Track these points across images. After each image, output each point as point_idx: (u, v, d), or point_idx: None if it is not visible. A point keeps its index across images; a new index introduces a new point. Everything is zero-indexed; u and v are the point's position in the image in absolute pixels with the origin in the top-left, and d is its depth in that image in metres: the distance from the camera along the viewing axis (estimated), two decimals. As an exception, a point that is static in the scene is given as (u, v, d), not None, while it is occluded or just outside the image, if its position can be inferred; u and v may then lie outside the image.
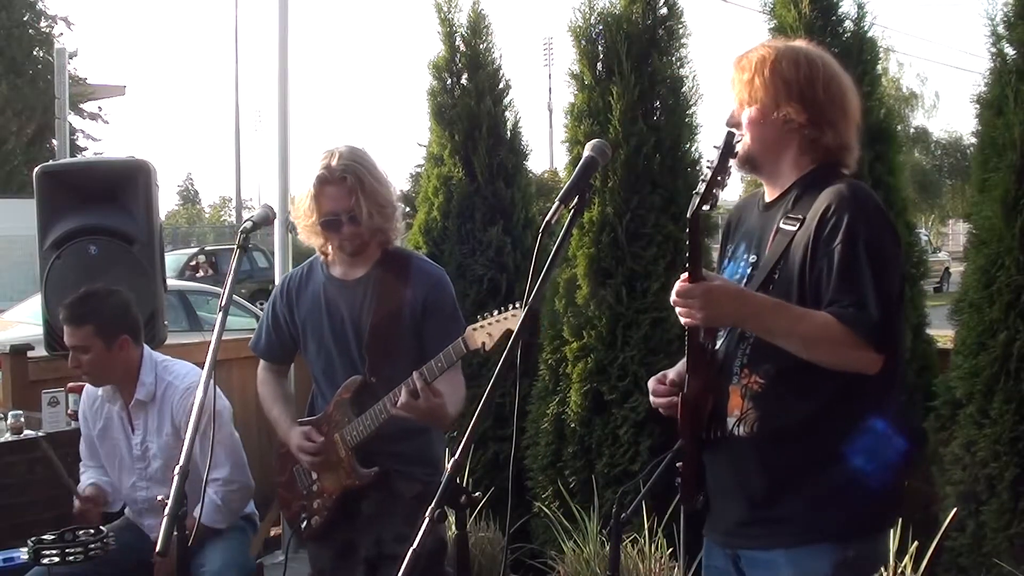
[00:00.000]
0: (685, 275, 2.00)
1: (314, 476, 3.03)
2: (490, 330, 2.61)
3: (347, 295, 2.97)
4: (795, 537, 2.08)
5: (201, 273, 19.29)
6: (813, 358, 1.99)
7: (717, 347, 2.18)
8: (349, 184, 2.83)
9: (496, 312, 2.62)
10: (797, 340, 1.99)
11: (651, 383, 2.28)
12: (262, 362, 3.22)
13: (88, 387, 3.65)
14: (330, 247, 2.97)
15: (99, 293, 3.43)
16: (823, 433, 2.05)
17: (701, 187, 1.96)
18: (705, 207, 1.94)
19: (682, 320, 2.03)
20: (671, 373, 2.27)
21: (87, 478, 3.63)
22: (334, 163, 2.84)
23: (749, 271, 2.17)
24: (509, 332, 2.57)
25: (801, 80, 2.12)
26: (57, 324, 3.76)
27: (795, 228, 2.08)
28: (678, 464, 2.22)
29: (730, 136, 1.98)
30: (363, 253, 2.95)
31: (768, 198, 2.23)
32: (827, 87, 2.14)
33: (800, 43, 2.22)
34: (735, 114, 2.18)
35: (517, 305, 2.59)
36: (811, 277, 2.04)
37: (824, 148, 2.15)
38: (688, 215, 1.98)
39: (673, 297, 2.00)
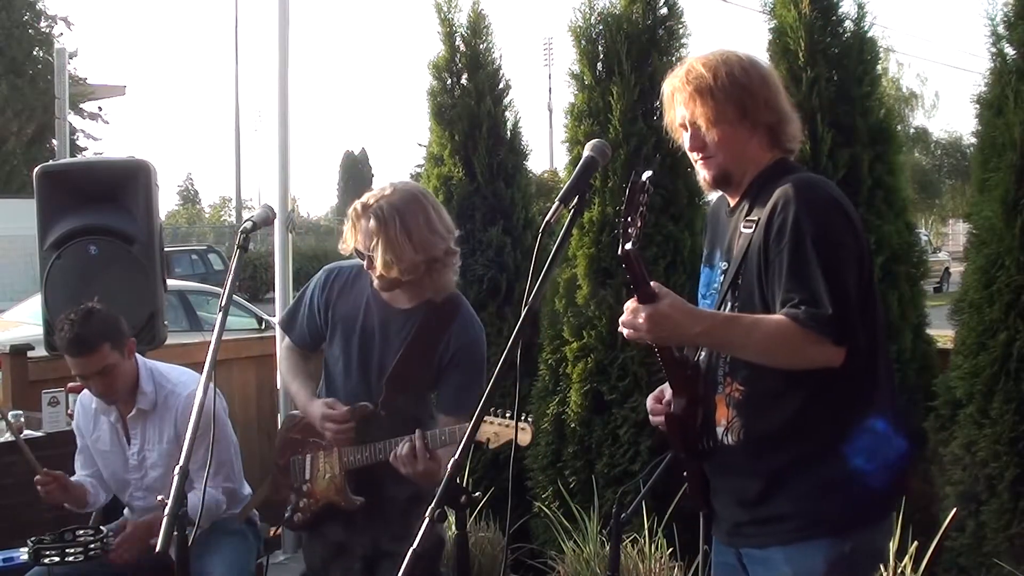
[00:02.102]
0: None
1: (307, 476, 3.03)
2: (498, 430, 2.53)
3: (388, 320, 2.93)
4: (790, 534, 2.09)
5: None
6: (774, 364, 2.01)
7: (699, 359, 2.18)
8: (371, 228, 2.76)
9: (509, 414, 2.53)
10: (753, 350, 2.01)
11: (649, 402, 2.29)
12: (287, 339, 3.17)
13: (81, 398, 3.60)
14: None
15: (94, 311, 3.30)
16: (808, 432, 2.06)
17: (620, 227, 1.92)
18: (628, 245, 1.91)
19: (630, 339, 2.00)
20: (668, 390, 2.26)
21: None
22: (373, 200, 2.79)
23: (722, 278, 2.19)
24: (510, 442, 2.50)
25: (756, 82, 2.13)
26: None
27: (751, 231, 2.09)
28: (684, 473, 2.24)
29: (636, 176, 1.94)
30: (399, 290, 2.89)
31: (731, 202, 2.23)
32: (773, 85, 2.17)
33: (721, 49, 2.19)
34: (702, 136, 2.15)
35: (530, 419, 2.59)
36: (767, 279, 2.04)
37: (782, 143, 2.17)
38: (619, 253, 1.93)
39: (622, 318, 1.99)
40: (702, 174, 2.21)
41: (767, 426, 2.08)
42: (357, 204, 2.83)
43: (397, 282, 2.84)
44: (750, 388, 2.09)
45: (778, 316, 1.99)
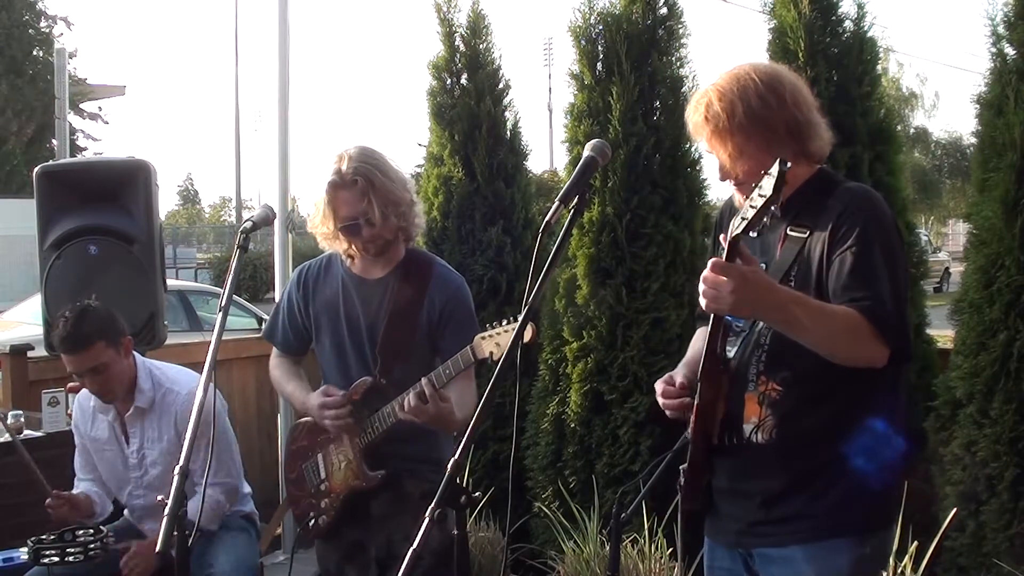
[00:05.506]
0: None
1: (323, 475, 3.03)
2: (499, 340, 2.59)
3: (366, 294, 2.98)
4: (813, 533, 2.10)
5: None
6: (831, 351, 2.00)
7: (731, 354, 2.18)
8: (360, 187, 2.82)
9: (505, 322, 2.61)
10: (817, 334, 1.98)
11: (658, 385, 2.28)
12: (275, 349, 3.21)
13: (79, 398, 3.60)
14: (354, 249, 2.95)
15: (90, 308, 3.31)
16: (841, 436, 2.08)
17: (749, 212, 1.86)
18: (752, 233, 1.89)
19: (703, 304, 1.94)
20: (678, 376, 2.27)
21: (78, 489, 3.58)
22: (344, 167, 2.84)
23: None
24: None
25: (776, 110, 2.12)
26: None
27: (805, 235, 2.10)
28: (682, 467, 2.23)
29: (783, 163, 1.85)
30: (387, 252, 2.96)
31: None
32: (795, 101, 2.15)
33: (743, 67, 2.18)
34: (729, 170, 2.15)
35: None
36: (827, 280, 2.05)
37: (812, 155, 2.18)
38: (730, 237, 1.91)
39: (705, 274, 1.91)
40: (738, 198, 2.21)
41: (802, 427, 2.09)
42: (328, 183, 2.86)
43: (389, 242, 2.91)
44: (789, 390, 2.09)
45: (845, 307, 1.99)
